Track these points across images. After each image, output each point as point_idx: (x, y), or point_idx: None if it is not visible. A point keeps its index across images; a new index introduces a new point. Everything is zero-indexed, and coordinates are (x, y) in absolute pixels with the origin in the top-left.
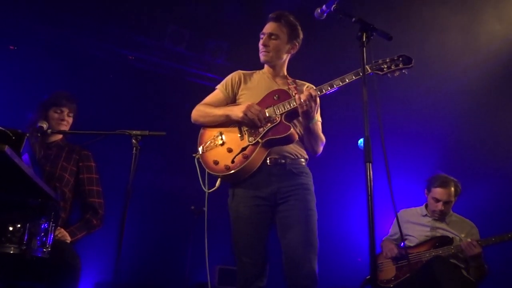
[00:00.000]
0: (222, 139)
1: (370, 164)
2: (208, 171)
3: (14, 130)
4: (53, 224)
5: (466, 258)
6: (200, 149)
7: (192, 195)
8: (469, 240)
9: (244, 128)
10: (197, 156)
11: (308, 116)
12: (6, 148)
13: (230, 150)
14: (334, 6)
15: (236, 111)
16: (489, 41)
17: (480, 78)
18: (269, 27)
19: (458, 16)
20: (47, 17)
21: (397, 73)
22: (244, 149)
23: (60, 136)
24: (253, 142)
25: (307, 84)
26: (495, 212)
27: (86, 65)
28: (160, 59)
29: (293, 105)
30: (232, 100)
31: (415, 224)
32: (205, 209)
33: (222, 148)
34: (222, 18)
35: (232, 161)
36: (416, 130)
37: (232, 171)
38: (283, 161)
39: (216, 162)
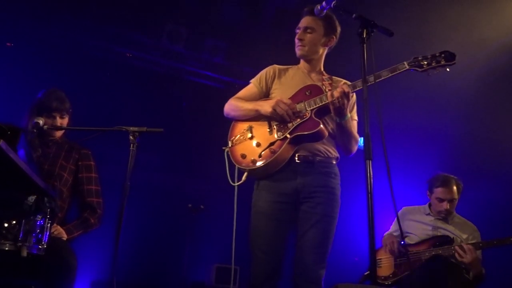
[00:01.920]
0: (251, 133)
1: (370, 161)
2: (236, 165)
3: (10, 125)
4: (49, 221)
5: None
6: (230, 142)
7: (189, 193)
8: (462, 245)
9: (274, 123)
10: (226, 149)
11: (340, 113)
12: (1, 143)
13: (258, 145)
14: (334, 2)
15: (265, 106)
16: (489, 43)
17: (481, 78)
18: (304, 21)
19: (460, 15)
20: (45, 14)
21: (437, 70)
22: (272, 144)
23: (58, 134)
24: (281, 137)
25: (344, 80)
26: (497, 212)
27: (84, 63)
28: (158, 57)
29: (324, 101)
30: (265, 94)
31: (417, 222)
32: (235, 203)
33: (250, 142)
34: (220, 17)
35: (259, 156)
36: (417, 129)
37: (258, 166)
38: (312, 158)
39: (243, 156)
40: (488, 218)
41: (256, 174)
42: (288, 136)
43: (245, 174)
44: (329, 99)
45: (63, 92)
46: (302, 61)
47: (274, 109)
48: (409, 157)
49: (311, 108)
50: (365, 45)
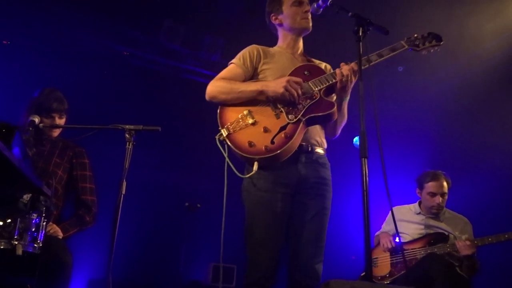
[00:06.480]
0: (252, 118)
1: (366, 159)
2: (241, 153)
3: (5, 123)
4: (45, 220)
5: (460, 257)
6: (223, 130)
7: (186, 192)
8: (464, 240)
9: (280, 105)
10: (221, 138)
11: (345, 92)
12: None
13: (266, 130)
14: (330, 0)
15: (274, 86)
16: (481, 43)
17: (473, 77)
18: (306, 1)
19: (452, 16)
20: (42, 11)
21: (431, 50)
22: (283, 128)
23: (55, 134)
24: (294, 120)
25: (324, 63)
26: (487, 208)
27: (81, 60)
28: (155, 55)
29: (333, 80)
30: (251, 76)
31: (408, 222)
32: (224, 198)
33: (255, 127)
34: (218, 14)
35: (272, 142)
36: (407, 128)
37: (274, 153)
38: (310, 149)
39: (251, 144)
40: (479, 214)
41: (267, 163)
42: (301, 118)
43: (256, 164)
44: (339, 77)
45: (61, 92)
46: (284, 42)
47: (285, 89)
48: (399, 155)
49: (319, 88)
50: (361, 43)
